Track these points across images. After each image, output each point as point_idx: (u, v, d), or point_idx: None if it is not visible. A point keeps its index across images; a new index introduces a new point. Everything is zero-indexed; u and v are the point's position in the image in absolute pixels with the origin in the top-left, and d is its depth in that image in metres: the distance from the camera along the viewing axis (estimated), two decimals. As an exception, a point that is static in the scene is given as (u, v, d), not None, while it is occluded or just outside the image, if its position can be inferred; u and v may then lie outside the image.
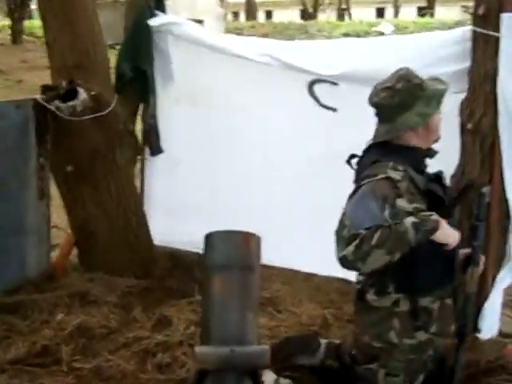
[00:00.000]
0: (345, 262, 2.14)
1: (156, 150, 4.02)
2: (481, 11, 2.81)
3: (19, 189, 3.42)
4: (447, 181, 2.56)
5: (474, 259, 2.41)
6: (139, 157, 4.05)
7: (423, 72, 2.42)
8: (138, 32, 3.80)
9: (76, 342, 2.91)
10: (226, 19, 26.50)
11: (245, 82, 3.73)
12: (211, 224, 3.71)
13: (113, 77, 3.79)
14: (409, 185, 2.25)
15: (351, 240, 2.10)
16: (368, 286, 2.44)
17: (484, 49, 2.82)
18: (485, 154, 2.89)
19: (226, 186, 3.91)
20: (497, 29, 2.75)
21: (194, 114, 3.94)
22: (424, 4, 32.12)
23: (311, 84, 3.48)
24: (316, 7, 32.47)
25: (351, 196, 2.29)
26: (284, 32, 23.05)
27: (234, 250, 2.03)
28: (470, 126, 2.88)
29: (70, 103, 3.39)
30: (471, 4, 3.24)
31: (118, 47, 4.04)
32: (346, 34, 21.17)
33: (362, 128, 2.55)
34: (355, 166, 2.45)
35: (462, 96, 2.94)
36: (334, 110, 3.48)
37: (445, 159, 2.56)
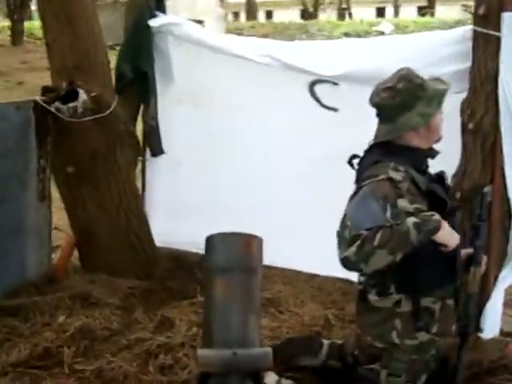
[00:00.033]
0: (347, 263, 2.14)
1: (157, 151, 4.02)
2: (481, 11, 2.80)
3: (20, 190, 3.41)
4: (449, 181, 2.56)
5: (476, 259, 2.41)
6: (140, 158, 4.04)
7: (424, 72, 2.42)
8: (138, 33, 3.80)
9: (78, 344, 2.90)
10: (227, 19, 26.50)
11: (245, 82, 3.73)
12: (212, 224, 3.72)
13: (113, 78, 3.78)
14: (410, 185, 2.25)
15: (353, 241, 2.10)
16: (370, 287, 2.43)
17: (485, 48, 2.81)
18: (486, 153, 2.88)
19: (227, 187, 3.91)
20: (497, 28, 2.75)
21: (194, 114, 3.94)
22: (424, 3, 32.11)
23: (312, 84, 3.48)
24: (316, 7, 32.47)
25: (352, 197, 2.29)
26: (284, 32, 23.04)
27: (236, 253, 2.02)
28: (471, 125, 2.88)
29: (71, 104, 3.38)
30: (471, 3, 3.24)
31: (118, 48, 4.03)
32: (347, 34, 21.17)
33: (363, 128, 2.54)
34: (356, 167, 2.44)
35: (463, 96, 2.94)
36: (335, 110, 3.48)
37: (446, 159, 2.55)
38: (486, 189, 2.53)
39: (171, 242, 4.00)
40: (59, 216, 4.09)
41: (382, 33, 20.89)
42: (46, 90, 3.49)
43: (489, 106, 2.83)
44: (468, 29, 2.95)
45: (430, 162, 2.44)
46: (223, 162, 3.92)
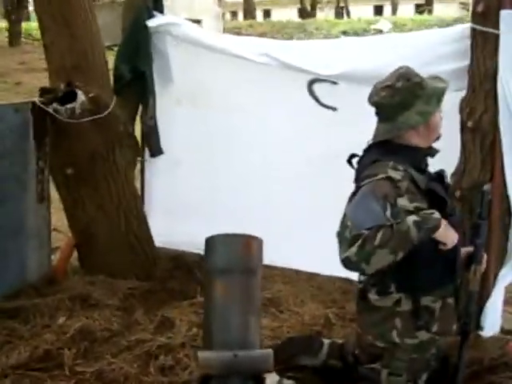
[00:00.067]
0: (348, 264, 2.13)
1: (156, 151, 4.01)
2: (480, 8, 2.80)
3: (19, 192, 3.41)
4: (448, 179, 2.55)
5: (476, 257, 2.41)
6: (139, 158, 4.04)
7: (423, 70, 2.42)
8: (136, 33, 3.80)
9: (78, 345, 2.89)
10: (225, 19, 26.50)
11: (244, 82, 3.73)
12: (211, 224, 3.73)
13: (111, 78, 3.77)
14: (409, 184, 2.25)
15: (354, 241, 2.09)
16: (370, 286, 2.43)
17: (483, 46, 2.81)
18: (485, 151, 2.88)
19: (226, 187, 3.90)
20: (496, 26, 2.74)
21: (193, 114, 3.94)
22: (422, 1, 32.11)
23: (311, 83, 3.47)
24: (314, 5, 32.45)
25: (352, 197, 2.28)
26: (282, 31, 23.06)
27: (236, 254, 2.01)
28: (470, 123, 2.87)
29: (69, 106, 3.38)
30: (469, 1, 3.23)
31: (116, 48, 4.03)
32: (345, 32, 21.19)
33: (362, 127, 2.54)
34: (356, 166, 2.44)
35: (462, 94, 2.93)
36: (333, 109, 3.48)
37: (445, 157, 2.55)
38: (486, 187, 2.53)
39: (170, 242, 4.00)
40: (58, 217, 4.09)
41: (380, 31, 20.90)
42: (44, 91, 3.48)
43: (488, 104, 2.82)
44: (466, 27, 2.95)
45: (430, 160, 2.44)
46: (222, 161, 3.92)
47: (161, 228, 3.93)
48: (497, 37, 2.75)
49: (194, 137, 3.96)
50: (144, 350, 2.87)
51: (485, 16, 2.79)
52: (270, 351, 1.91)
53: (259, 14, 36.23)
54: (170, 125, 3.97)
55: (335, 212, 2.34)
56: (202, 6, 21.22)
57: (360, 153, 2.45)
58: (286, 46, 3.99)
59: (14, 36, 17.25)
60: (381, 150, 2.34)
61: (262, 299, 2.94)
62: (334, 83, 3.39)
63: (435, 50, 3.06)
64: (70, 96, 3.40)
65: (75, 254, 3.79)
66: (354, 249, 2.08)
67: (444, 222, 2.20)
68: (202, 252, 2.25)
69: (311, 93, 3.49)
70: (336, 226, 2.27)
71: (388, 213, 2.15)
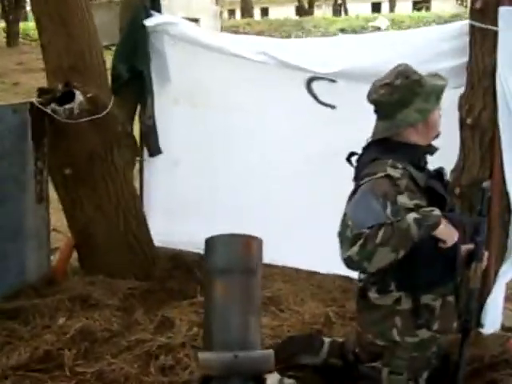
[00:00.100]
0: (350, 263, 2.13)
1: (154, 151, 4.01)
2: (478, 5, 2.79)
3: (17, 193, 3.40)
4: (448, 177, 2.55)
5: (477, 255, 2.40)
6: (138, 158, 4.03)
7: (421, 68, 2.41)
8: (133, 32, 3.79)
9: (78, 346, 2.89)
10: (222, 17, 26.48)
11: (242, 80, 3.72)
12: (211, 224, 3.75)
13: (109, 78, 3.76)
14: (408, 182, 2.24)
15: (355, 240, 2.08)
16: (370, 284, 2.43)
17: (482, 43, 2.80)
18: (485, 148, 2.87)
19: (225, 186, 3.90)
20: (495, 23, 2.73)
21: (191, 113, 3.94)
22: (419, -2, 32.12)
23: (309, 81, 3.47)
24: (312, 3, 32.43)
25: (351, 196, 2.28)
26: (280, 29, 23.07)
27: (235, 254, 2.00)
28: (469, 120, 2.87)
29: (67, 106, 3.37)
30: (467, -3, 3.23)
31: (113, 48, 4.02)
32: (343, 30, 21.20)
33: (361, 125, 2.53)
34: (355, 164, 2.43)
35: (461, 91, 2.92)
36: (332, 107, 3.47)
37: (445, 155, 2.54)
38: (486, 184, 2.52)
39: (170, 241, 3.99)
40: (57, 217, 4.08)
41: (378, 28, 20.92)
42: (41, 92, 3.47)
43: (487, 101, 2.82)
44: (465, 23, 2.94)
45: (429, 157, 2.43)
46: (220, 161, 3.92)
47: (160, 227, 3.93)
48: (495, 33, 2.74)
49: (192, 136, 3.96)
50: (144, 350, 2.87)
51: (483, 13, 2.78)
52: (271, 352, 1.90)
53: (257, 12, 36.23)
54: (168, 124, 3.97)
55: (334, 210, 2.33)
56: (200, 5, 21.22)
57: (359, 151, 2.44)
58: (284, 44, 3.98)
59: (12, 36, 17.26)
60: (380, 148, 2.34)
61: (262, 298, 2.94)
62: (333, 81, 3.39)
63: (434, 47, 3.05)
64: (68, 96, 3.39)
65: (74, 254, 3.78)
66: (355, 248, 2.08)
67: (444, 219, 2.20)
68: (201, 251, 2.24)
69: (310, 91, 3.48)
70: (335, 224, 2.27)
71: (388, 211, 2.14)
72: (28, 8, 20.08)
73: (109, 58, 3.79)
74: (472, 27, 2.84)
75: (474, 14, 2.84)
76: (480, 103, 2.84)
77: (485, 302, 2.93)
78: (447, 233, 2.21)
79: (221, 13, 25.55)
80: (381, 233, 2.07)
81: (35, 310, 3.16)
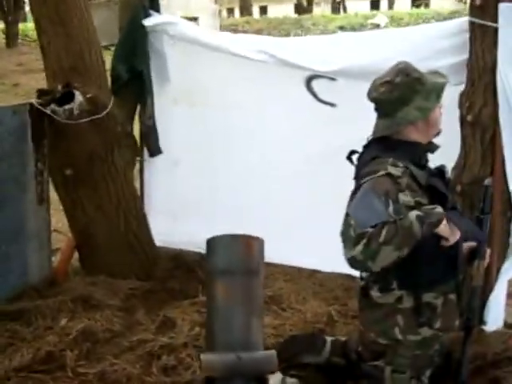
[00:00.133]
0: (354, 263, 2.12)
1: (155, 151, 4.00)
2: (478, 2, 2.78)
3: (18, 194, 3.40)
4: (449, 174, 2.54)
5: (479, 252, 2.40)
6: (138, 158, 4.03)
7: (421, 65, 2.40)
8: (132, 32, 3.78)
9: (80, 346, 2.88)
10: (221, 16, 26.48)
11: (241, 79, 3.72)
12: (211, 223, 3.75)
13: (109, 79, 3.76)
14: (409, 181, 2.24)
15: (359, 239, 2.08)
16: (372, 283, 2.42)
17: (482, 40, 2.80)
18: (485, 145, 2.87)
19: (225, 185, 3.90)
20: (495, 19, 2.73)
21: (191, 113, 3.93)
22: (418, -5, 32.07)
23: (309, 80, 3.46)
24: (310, 1, 32.40)
25: (353, 195, 2.27)
26: (279, 27, 23.06)
27: (237, 255, 2.00)
28: (469, 118, 2.86)
29: (67, 107, 3.37)
30: (466, -6, 3.22)
31: (113, 48, 4.01)
32: (342, 28, 21.18)
33: (361, 123, 2.53)
34: (356, 162, 2.43)
35: (461, 88, 2.92)
36: (332, 105, 3.47)
37: (446, 152, 2.54)
38: (487, 181, 2.52)
39: (170, 241, 3.99)
40: (58, 218, 4.09)
41: (378, 25, 20.90)
42: (41, 93, 3.47)
43: (487, 97, 2.81)
44: (464, 20, 2.93)
45: (430, 155, 2.43)
46: (221, 160, 3.91)
47: (160, 227, 3.92)
48: (495, 30, 2.74)
49: (192, 136, 3.96)
50: (146, 351, 2.86)
51: (483, 9, 2.77)
52: (273, 352, 1.90)
53: (256, 11, 36.19)
54: (168, 124, 3.96)
55: (335, 209, 2.33)
56: (199, 4, 21.22)
57: (360, 149, 2.44)
58: (283, 42, 3.98)
59: (11, 37, 17.25)
60: (380, 147, 2.33)
61: (264, 297, 2.94)
62: (333, 79, 3.38)
63: (434, 44, 3.05)
64: (68, 97, 3.39)
65: (76, 255, 3.78)
66: (359, 247, 2.07)
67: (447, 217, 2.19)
68: (202, 251, 2.24)
69: (310, 89, 3.48)
70: (336, 223, 2.26)
71: (390, 209, 2.13)
72: (27, 9, 20.06)
73: (108, 59, 3.78)
74: (472, 24, 2.84)
75: (474, 10, 2.83)
76: (480, 100, 2.83)
77: (487, 299, 2.92)
78: (449, 230, 2.21)
79: (220, 11, 25.54)
80: (384, 231, 2.06)
81: (37, 312, 3.16)
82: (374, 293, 2.41)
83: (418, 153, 2.35)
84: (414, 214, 2.11)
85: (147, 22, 3.75)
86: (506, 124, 2.79)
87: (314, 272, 3.78)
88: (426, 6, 30.40)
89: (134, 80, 3.79)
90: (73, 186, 3.57)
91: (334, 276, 3.67)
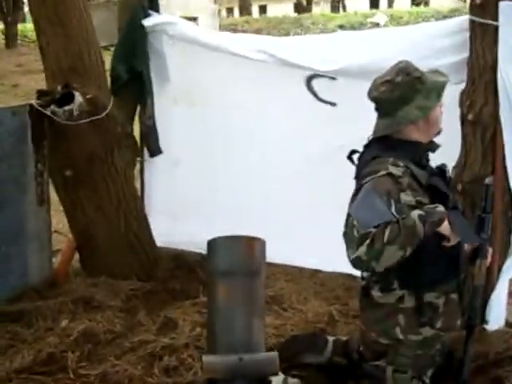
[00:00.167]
0: (358, 263, 2.11)
1: (155, 151, 4.00)
2: (478, 0, 2.78)
3: (18, 195, 3.39)
4: (450, 173, 2.53)
5: (481, 252, 2.39)
6: (138, 158, 4.02)
7: (421, 64, 2.40)
8: (132, 33, 3.77)
9: (81, 348, 2.88)
10: (220, 16, 26.47)
11: (241, 79, 3.71)
12: (212, 223, 3.75)
13: (109, 79, 3.75)
14: (410, 180, 2.23)
15: (362, 240, 2.07)
16: (373, 283, 2.42)
17: (482, 38, 2.79)
18: (486, 144, 2.86)
19: (226, 185, 3.90)
20: (495, 18, 2.72)
21: (191, 113, 3.93)
22: (418, -7, 32.06)
23: (309, 79, 3.46)
24: (310, 0, 32.38)
25: (354, 196, 2.26)
26: (278, 26, 23.05)
27: (238, 256, 1.99)
28: (470, 116, 2.85)
29: (67, 108, 3.36)
30: (466, -8, 3.21)
31: (112, 49, 4.01)
32: (341, 26, 21.17)
33: (361, 123, 2.53)
34: (356, 162, 2.42)
35: (462, 87, 2.91)
36: (332, 104, 3.46)
37: (447, 151, 2.53)
38: (488, 180, 2.51)
39: (171, 241, 3.99)
40: (59, 219, 4.08)
41: (377, 24, 20.89)
42: (41, 94, 3.47)
43: (488, 96, 2.81)
44: (465, 19, 2.93)
45: (431, 154, 2.42)
46: (221, 160, 3.91)
47: (161, 228, 3.92)
48: (496, 28, 2.73)
49: (192, 136, 3.95)
50: (148, 352, 2.85)
51: (483, 8, 2.77)
52: (275, 354, 1.89)
53: (255, 10, 36.17)
54: (168, 124, 3.96)
55: (335, 208, 2.33)
56: (198, 4, 21.20)
57: (360, 148, 2.43)
58: (283, 42, 3.98)
59: (11, 38, 17.24)
60: (381, 146, 2.33)
61: (265, 297, 2.93)
62: (333, 79, 3.37)
63: (434, 42, 3.04)
64: (68, 98, 3.38)
65: (76, 256, 3.77)
66: (363, 248, 2.06)
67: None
68: (202, 251, 2.23)
69: (310, 89, 3.47)
70: (336, 223, 2.26)
71: (393, 209, 2.12)
72: (26, 9, 20.05)
73: (108, 59, 3.77)
74: (472, 22, 2.83)
75: (475, 9, 2.82)
76: (481, 99, 2.83)
77: (489, 298, 2.92)
78: (451, 229, 2.19)
79: (219, 11, 25.53)
80: (387, 231, 2.05)
81: (38, 313, 3.15)
82: (375, 292, 2.41)
83: (418, 152, 2.35)
84: (416, 213, 2.11)
85: (146, 22, 3.75)
86: (506, 122, 2.78)
87: (315, 272, 3.77)
88: (426, 4, 30.41)
89: (134, 80, 3.79)
90: (73, 187, 3.56)
91: (335, 276, 3.67)
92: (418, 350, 2.38)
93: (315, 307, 3.35)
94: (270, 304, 3.34)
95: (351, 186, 2.37)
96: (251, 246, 2.02)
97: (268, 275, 3.21)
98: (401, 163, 2.24)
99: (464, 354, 2.42)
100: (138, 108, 3.92)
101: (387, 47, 3.13)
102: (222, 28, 21.40)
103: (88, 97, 3.42)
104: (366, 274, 2.46)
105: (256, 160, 3.78)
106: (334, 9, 34.45)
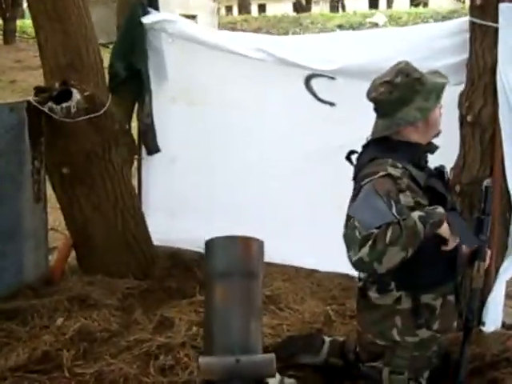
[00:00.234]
0: (360, 265, 2.10)
1: (152, 149, 3.99)
2: (478, 1, 2.78)
3: (15, 192, 3.38)
4: (449, 175, 2.53)
5: (480, 254, 2.39)
6: (136, 156, 4.01)
7: (421, 65, 2.39)
8: (131, 30, 3.76)
9: (77, 346, 2.87)
10: (219, 14, 26.44)
11: (240, 78, 3.70)
12: (209, 221, 3.74)
13: (107, 76, 3.74)
14: (409, 182, 2.22)
15: (364, 241, 2.05)
16: (370, 284, 2.41)
17: (482, 40, 2.79)
18: (485, 146, 2.86)
19: (224, 184, 3.89)
20: (495, 19, 2.72)
21: (189, 111, 3.92)
22: (417, -7, 32.04)
23: (308, 78, 3.45)
24: (309, -1, 32.38)
25: (353, 197, 2.25)
26: (277, 25, 23.05)
27: (236, 257, 1.98)
28: (469, 118, 2.85)
29: (64, 104, 3.34)
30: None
31: (111, 46, 3.99)
32: (340, 26, 21.16)
33: (360, 122, 2.52)
34: (355, 162, 2.41)
35: (461, 88, 2.91)
36: (331, 104, 3.45)
37: (445, 152, 2.53)
38: (487, 182, 2.51)
39: (168, 240, 3.98)
40: (56, 216, 4.06)
41: (376, 24, 20.89)
42: (39, 91, 3.45)
43: (487, 98, 2.80)
44: (464, 20, 2.92)
45: (429, 156, 2.41)
46: (219, 158, 3.90)
47: (158, 226, 3.91)
48: (495, 30, 2.73)
49: (190, 134, 3.94)
50: (143, 350, 2.84)
51: (483, 9, 2.76)
52: (273, 355, 1.88)
53: (254, 9, 36.14)
54: (166, 122, 3.95)
55: (333, 208, 2.32)
56: (197, 2, 21.17)
57: (358, 148, 2.42)
58: (282, 41, 3.97)
59: (9, 34, 17.18)
60: (379, 147, 2.32)
61: (262, 297, 2.92)
62: (332, 78, 3.37)
63: (433, 43, 3.04)
64: (65, 95, 3.37)
65: (73, 253, 3.76)
66: (365, 249, 2.04)
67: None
68: (200, 250, 2.22)
69: (309, 88, 3.47)
70: (334, 222, 2.26)
71: (393, 210, 2.11)
72: (25, 6, 19.99)
73: (106, 57, 3.76)
74: (472, 24, 2.83)
75: (474, 10, 2.82)
76: (480, 100, 2.83)
77: (486, 299, 2.91)
78: (450, 231, 2.19)
79: (218, 9, 25.48)
80: (389, 232, 2.04)
81: (33, 311, 3.14)
82: (372, 294, 2.40)
83: (417, 154, 2.34)
84: (416, 214, 2.10)
85: (145, 20, 3.74)
86: (505, 124, 2.78)
87: (312, 272, 3.76)
88: (425, 5, 30.39)
89: (132, 78, 3.77)
90: (70, 185, 3.55)
91: (331, 276, 3.67)
92: (414, 351, 2.38)
93: (312, 307, 3.35)
94: (267, 304, 3.33)
95: (350, 185, 2.36)
96: (249, 247, 2.00)
97: (265, 275, 3.19)
98: (399, 165, 2.23)
99: (460, 355, 2.41)
100: (136, 106, 3.90)
101: (386, 47, 3.13)
102: (221, 26, 21.38)
103: (86, 94, 3.40)
104: (362, 275, 2.45)
105: (254, 158, 3.77)
106: (333, 8, 34.44)
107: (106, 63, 3.75)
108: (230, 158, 3.86)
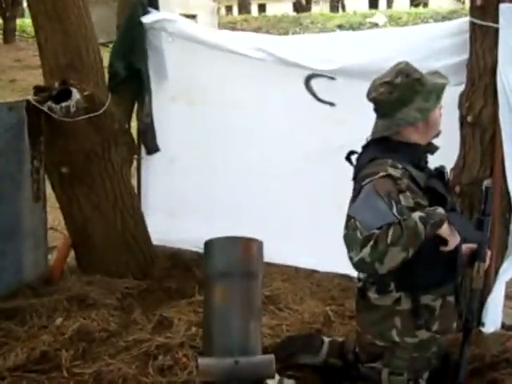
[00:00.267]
0: (362, 265, 2.09)
1: (152, 149, 3.98)
2: (479, 2, 2.77)
3: (14, 192, 3.37)
4: (449, 175, 2.53)
5: (480, 254, 2.38)
6: (135, 156, 4.01)
7: (421, 65, 2.39)
8: (130, 30, 3.76)
9: (76, 346, 2.86)
10: (219, 13, 26.44)
11: (240, 77, 3.70)
12: (209, 221, 3.74)
13: (107, 76, 3.74)
14: (409, 182, 2.22)
15: (366, 242, 2.04)
16: (369, 284, 2.41)
17: (482, 40, 2.78)
18: (485, 146, 2.86)
19: (224, 183, 3.88)
20: (495, 20, 2.72)
21: (189, 111, 3.91)
22: (417, -6, 32.05)
23: (308, 79, 3.45)
24: (309, -1, 32.38)
25: (354, 198, 2.25)
26: (277, 25, 23.05)
27: (235, 257, 1.97)
28: (469, 118, 2.85)
29: (64, 104, 3.34)
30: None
31: (111, 46, 3.98)
32: (340, 26, 21.17)
33: (360, 123, 2.52)
34: (355, 163, 2.41)
35: (461, 88, 2.90)
36: (331, 104, 3.45)
37: (445, 153, 2.52)
38: (487, 182, 2.50)
39: (168, 239, 3.97)
40: (55, 216, 4.06)
41: (376, 24, 20.90)
42: (38, 90, 3.44)
43: (487, 98, 2.80)
44: (465, 20, 2.92)
45: (429, 156, 2.41)
46: (219, 158, 3.89)
47: (158, 226, 3.90)
48: (496, 31, 2.72)
49: (190, 133, 3.94)
50: (142, 351, 2.84)
51: (484, 10, 2.76)
52: (272, 357, 1.88)
53: (254, 9, 36.14)
54: (166, 122, 3.94)
55: (333, 208, 2.32)
56: (197, 2, 21.17)
57: (358, 149, 2.42)
58: (282, 40, 3.97)
59: (9, 33, 17.17)
60: (379, 148, 2.32)
61: (261, 297, 2.92)
62: (332, 78, 3.36)
63: (434, 44, 3.04)
64: (65, 94, 3.36)
65: (72, 253, 3.75)
66: (366, 250, 2.03)
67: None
68: (199, 250, 2.21)
69: (309, 89, 3.46)
70: (334, 222, 2.25)
71: (394, 210, 2.10)
72: (25, 5, 19.98)
73: (106, 56, 3.75)
74: (472, 24, 2.83)
75: (475, 11, 2.82)
76: (480, 101, 2.82)
77: (485, 300, 2.91)
78: (451, 232, 2.19)
79: (218, 9, 25.49)
80: (390, 232, 2.04)
81: (32, 310, 3.14)
82: (372, 294, 2.39)
83: (417, 154, 2.34)
84: (416, 214, 2.09)
85: (145, 20, 3.73)
86: (505, 124, 2.77)
87: (312, 272, 3.76)
88: (425, 5, 30.39)
89: (132, 77, 3.77)
90: (69, 184, 3.54)
91: (331, 276, 3.66)
92: (414, 352, 2.37)
93: (311, 307, 3.35)
94: (266, 304, 3.33)
95: (350, 186, 2.36)
96: (249, 248, 2.00)
97: (264, 275, 3.19)
98: (399, 165, 2.22)
99: (460, 356, 2.41)
100: (136, 105, 3.90)
101: (386, 48, 3.13)
102: (221, 26, 21.38)
103: (85, 93, 3.40)
104: (362, 276, 2.45)
105: (254, 158, 3.77)
106: (333, 8, 34.44)
107: (106, 63, 3.75)
108: (230, 158, 3.85)
